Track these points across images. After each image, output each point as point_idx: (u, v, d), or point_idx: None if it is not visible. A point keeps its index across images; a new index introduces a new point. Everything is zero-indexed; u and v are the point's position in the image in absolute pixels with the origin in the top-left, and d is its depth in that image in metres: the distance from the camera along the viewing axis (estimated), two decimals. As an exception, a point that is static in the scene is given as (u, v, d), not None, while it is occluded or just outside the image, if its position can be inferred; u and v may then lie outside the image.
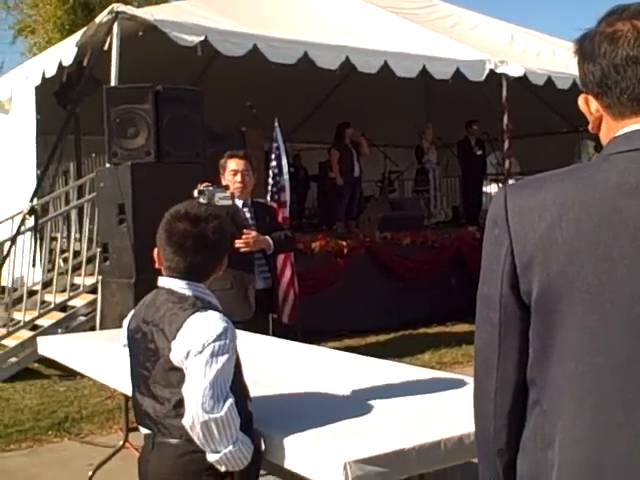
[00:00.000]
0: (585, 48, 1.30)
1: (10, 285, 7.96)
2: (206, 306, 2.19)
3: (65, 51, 8.44)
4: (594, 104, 1.32)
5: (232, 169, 4.74)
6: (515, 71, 9.69)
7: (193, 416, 2.05)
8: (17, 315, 7.79)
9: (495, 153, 11.74)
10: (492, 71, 9.63)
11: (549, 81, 9.84)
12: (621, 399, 1.19)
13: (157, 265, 2.31)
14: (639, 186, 1.21)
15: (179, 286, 2.23)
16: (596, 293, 1.21)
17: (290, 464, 2.11)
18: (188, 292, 2.22)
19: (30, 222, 6.90)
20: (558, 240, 1.23)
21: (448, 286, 9.37)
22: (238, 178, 4.73)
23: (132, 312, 2.42)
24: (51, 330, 7.35)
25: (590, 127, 1.35)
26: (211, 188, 4.48)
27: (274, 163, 7.48)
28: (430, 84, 10.98)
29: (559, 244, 1.23)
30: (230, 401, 2.06)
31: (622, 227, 1.20)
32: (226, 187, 4.67)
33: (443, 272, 9.58)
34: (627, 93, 1.26)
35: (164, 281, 2.28)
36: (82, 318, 7.73)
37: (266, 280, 4.77)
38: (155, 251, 2.29)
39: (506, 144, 9.99)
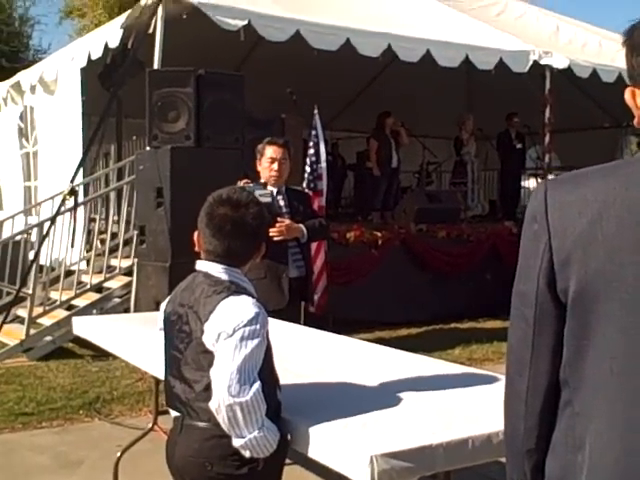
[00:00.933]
0: (634, 40, 1.26)
1: (48, 264, 8.08)
2: (240, 291, 2.20)
3: (110, 33, 8.50)
4: None
5: (270, 157, 4.73)
6: (559, 63, 9.53)
7: (219, 399, 2.06)
8: (54, 295, 7.90)
9: (535, 147, 11.57)
10: (536, 62, 9.47)
11: (594, 74, 9.65)
12: None
13: (196, 248, 2.33)
14: None
15: (216, 270, 2.25)
16: (635, 294, 1.17)
17: (315, 454, 2.10)
18: (224, 276, 2.24)
19: (70, 203, 6.97)
20: (598, 238, 1.20)
21: (482, 281, 9.28)
22: (275, 166, 4.71)
23: (169, 296, 2.44)
24: (86, 310, 7.45)
25: (636, 122, 1.31)
26: (251, 185, 4.48)
27: (312, 151, 7.46)
28: (472, 74, 10.85)
29: (599, 242, 1.20)
30: (257, 386, 2.06)
31: None
32: (264, 185, 4.67)
33: (478, 267, 9.49)
34: None
35: (202, 265, 2.30)
36: (117, 300, 7.83)
37: (299, 269, 4.76)
38: (195, 234, 2.31)
39: (547, 138, 9.83)
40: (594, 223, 1.21)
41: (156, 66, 7.29)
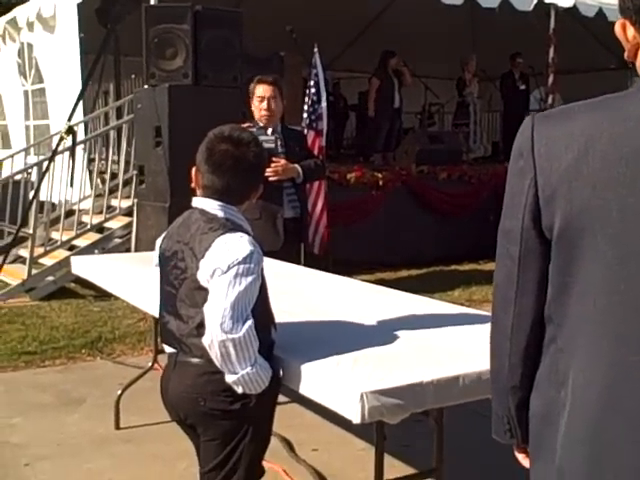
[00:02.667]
0: None
1: (49, 205, 8.06)
2: (236, 228, 2.20)
3: (106, -32, 8.30)
4: (631, 31, 1.25)
5: (259, 95, 4.66)
6: (565, 1, 9.34)
7: (212, 335, 2.07)
8: (55, 235, 7.91)
9: (539, 88, 11.41)
10: (540, 1, 9.28)
11: (600, 13, 9.46)
12: (638, 339, 1.16)
13: (193, 184, 2.32)
14: None
15: (212, 207, 2.24)
16: (619, 228, 1.16)
17: (306, 391, 2.12)
18: (220, 213, 2.23)
19: (68, 142, 6.92)
20: (584, 173, 1.18)
21: (484, 223, 9.24)
22: (264, 105, 4.65)
23: (165, 232, 2.44)
24: (87, 250, 7.47)
25: (626, 55, 1.28)
26: (254, 129, 4.44)
27: (312, 90, 7.36)
28: (476, 13, 10.65)
29: (584, 177, 1.18)
30: (249, 323, 2.07)
31: None
32: (265, 129, 4.63)
33: (479, 208, 9.46)
34: None
35: (198, 201, 2.29)
36: (118, 240, 7.84)
37: (295, 209, 4.74)
38: (193, 170, 2.30)
39: (551, 78, 9.70)
40: (580, 158, 1.19)
41: (152, 2, 7.16)
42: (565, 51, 9.69)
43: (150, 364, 4.28)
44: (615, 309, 1.18)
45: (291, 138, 4.82)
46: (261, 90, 4.66)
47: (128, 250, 7.30)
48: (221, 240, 2.14)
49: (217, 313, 2.06)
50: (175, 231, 2.33)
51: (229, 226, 2.20)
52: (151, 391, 4.16)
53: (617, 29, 1.27)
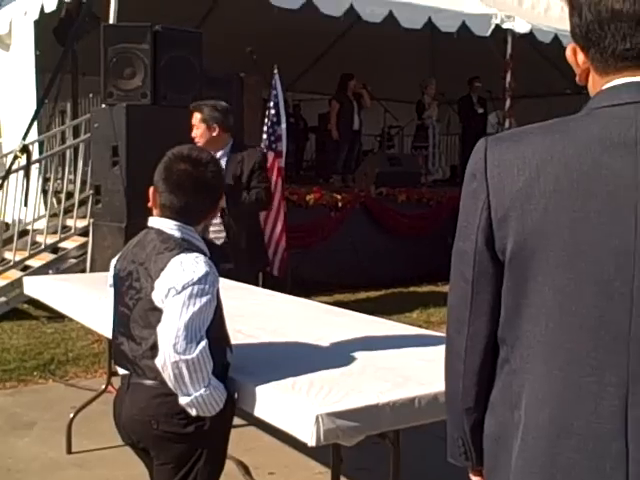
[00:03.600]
0: None
1: (2, 222, 7.92)
2: (193, 248, 2.19)
3: (65, -15, 8.26)
4: (581, 56, 1.27)
5: (192, 123, 4.72)
6: (521, 27, 9.55)
7: (165, 356, 2.05)
8: (8, 255, 7.76)
9: (496, 112, 11.60)
10: (498, 26, 9.48)
11: (556, 39, 9.69)
12: (590, 360, 1.16)
13: (150, 204, 2.30)
14: (620, 142, 1.16)
15: (169, 227, 2.22)
16: (571, 251, 1.17)
17: (261, 413, 2.10)
18: (177, 234, 2.21)
19: (22, 161, 6.81)
20: (535, 195, 1.19)
21: (442, 245, 9.30)
22: (193, 132, 4.70)
23: (120, 252, 2.41)
24: (41, 271, 7.33)
25: (577, 79, 1.30)
26: None
27: (272, 111, 7.37)
28: (435, 38, 10.81)
29: (536, 199, 1.19)
30: (203, 344, 2.05)
31: (601, 184, 1.16)
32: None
33: (438, 231, 9.52)
34: (610, 50, 1.20)
35: (154, 221, 2.27)
36: (73, 260, 7.72)
37: (219, 239, 4.72)
38: (151, 189, 2.28)
39: (507, 103, 9.88)
40: (532, 180, 1.20)
41: (112, 21, 7.12)
42: (522, 76, 9.88)
43: (104, 387, 4.21)
44: (567, 330, 1.18)
45: (234, 162, 4.77)
46: (192, 117, 4.70)
47: (83, 271, 7.19)
48: (177, 260, 2.12)
49: (170, 333, 2.04)
50: (130, 251, 2.31)
51: (185, 246, 2.18)
52: (104, 414, 4.08)
53: (568, 53, 1.29)
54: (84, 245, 7.52)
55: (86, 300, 3.67)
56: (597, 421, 1.15)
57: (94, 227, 6.63)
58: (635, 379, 1.13)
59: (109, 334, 3.23)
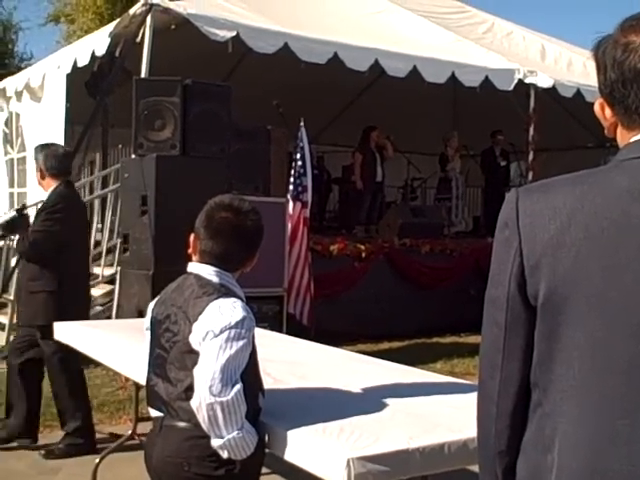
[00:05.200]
0: (599, 56, 1.30)
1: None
2: (230, 294, 2.24)
3: (98, 41, 8.52)
4: (608, 111, 1.33)
5: None
6: (544, 82, 9.65)
7: (200, 397, 2.08)
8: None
9: (518, 163, 11.68)
10: (521, 81, 9.59)
11: (578, 93, 9.79)
12: (623, 403, 1.19)
13: (190, 250, 2.36)
14: None
15: (207, 272, 2.29)
16: (601, 297, 1.21)
17: (292, 457, 2.12)
18: (215, 279, 2.27)
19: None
20: (567, 243, 1.24)
21: (465, 296, 9.31)
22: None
23: (158, 296, 2.47)
24: (68, 317, 7.39)
25: (606, 132, 1.35)
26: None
27: (299, 163, 7.50)
28: (458, 92, 10.95)
29: (567, 247, 1.24)
30: (238, 387, 2.09)
31: (630, 232, 1.20)
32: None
33: (461, 282, 9.52)
34: (634, 107, 1.26)
35: (194, 267, 2.34)
36: (99, 308, 7.79)
37: None
38: (191, 236, 2.35)
39: (531, 156, 9.94)
40: (563, 229, 1.24)
41: (143, 75, 7.32)
42: (545, 129, 9.96)
43: (129, 433, 4.22)
44: (599, 374, 1.21)
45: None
46: None
47: (109, 318, 7.26)
48: (215, 304, 2.18)
49: (207, 376, 2.08)
50: (168, 295, 2.37)
51: (223, 291, 2.23)
52: (130, 460, 4.13)
53: (596, 108, 1.35)
54: (110, 293, 7.60)
55: (114, 345, 3.72)
56: (631, 464, 1.17)
57: (121, 274, 6.72)
58: None
59: (135, 377, 3.30)
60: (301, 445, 2.10)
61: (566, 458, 1.24)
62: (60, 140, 8.96)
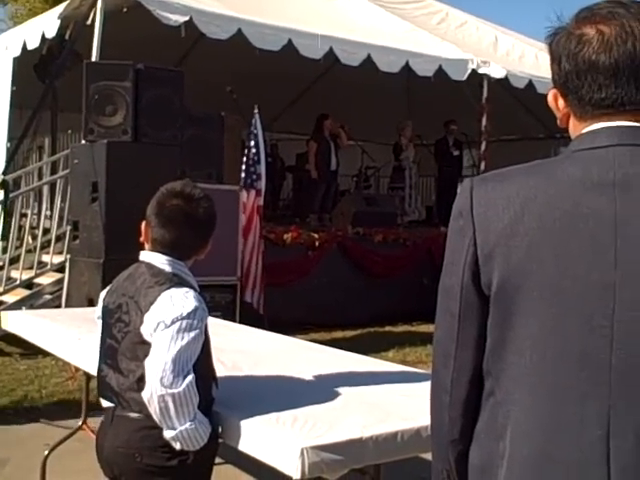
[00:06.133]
0: (553, 47, 1.32)
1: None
2: (183, 283, 2.21)
3: (48, 23, 8.33)
4: (561, 101, 1.34)
5: None
6: (497, 73, 9.75)
7: (152, 389, 2.06)
8: (-19, 290, 7.68)
9: (471, 153, 11.81)
10: (474, 71, 9.68)
11: (530, 85, 9.91)
12: (573, 391, 1.20)
13: (142, 238, 2.32)
14: (600, 183, 1.22)
15: (160, 261, 2.25)
16: (554, 286, 1.22)
17: (246, 447, 2.10)
18: (168, 268, 2.24)
19: (0, 195, 6.80)
20: (520, 232, 1.25)
21: (417, 285, 9.39)
22: None
23: (110, 285, 2.42)
24: (15, 307, 7.23)
25: (559, 122, 1.37)
26: None
27: (253, 150, 7.45)
28: (412, 81, 11.00)
29: (521, 236, 1.25)
30: (190, 378, 2.06)
31: (582, 222, 1.22)
32: None
33: (413, 271, 9.60)
34: (587, 98, 1.28)
35: (146, 255, 2.30)
36: (48, 296, 7.65)
37: None
38: (143, 224, 2.31)
39: (483, 146, 10.05)
40: (516, 219, 1.25)
41: (94, 59, 7.18)
42: (497, 120, 10.06)
43: (79, 424, 4.16)
44: (550, 363, 1.22)
45: None
46: None
47: (58, 307, 7.12)
48: (167, 294, 2.14)
49: (158, 367, 2.05)
50: (120, 284, 2.32)
51: (176, 281, 2.20)
52: (79, 452, 4.06)
53: (550, 98, 1.36)
54: (60, 281, 7.46)
55: (65, 335, 3.65)
56: (580, 450, 1.19)
57: (71, 263, 6.60)
58: (616, 409, 1.18)
59: (86, 367, 3.24)
60: (255, 435, 2.08)
61: (517, 445, 1.25)
62: (4, 124, 8.77)
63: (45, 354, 4.39)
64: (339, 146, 10.82)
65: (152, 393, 2.05)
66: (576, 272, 1.20)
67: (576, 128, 1.32)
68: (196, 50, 10.64)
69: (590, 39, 1.25)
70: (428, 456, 1.78)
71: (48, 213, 8.46)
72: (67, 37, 7.85)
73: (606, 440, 1.18)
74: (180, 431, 2.08)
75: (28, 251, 7.99)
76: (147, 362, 2.10)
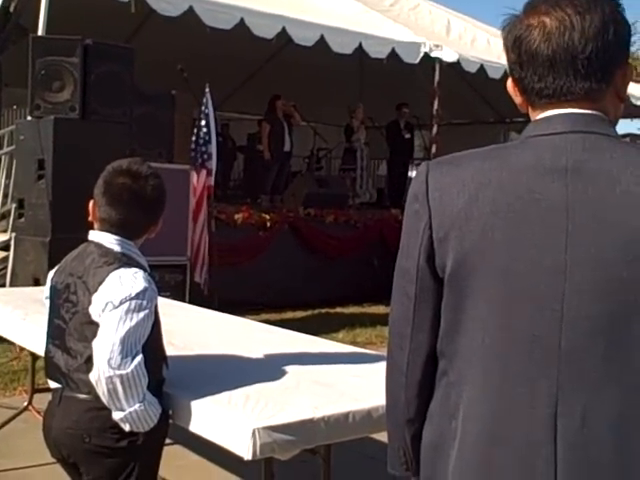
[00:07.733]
0: (504, 36, 1.34)
1: None
2: (132, 263, 2.18)
3: (-10, -4, 8.07)
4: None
5: None
6: (449, 56, 9.80)
7: (99, 371, 2.03)
8: None
9: (423, 136, 11.89)
10: (427, 55, 9.71)
11: (481, 69, 9.99)
12: (523, 372, 1.23)
13: (90, 218, 2.28)
14: (552, 169, 1.24)
15: (108, 241, 2.21)
16: (506, 270, 1.24)
17: (197, 428, 2.09)
18: (117, 248, 2.20)
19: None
20: (474, 216, 1.26)
21: (368, 267, 9.46)
22: None
23: (58, 265, 2.38)
24: (-42, 285, 7.09)
25: (519, 107, 1.38)
26: None
27: (204, 130, 7.37)
28: (365, 63, 10.99)
29: (475, 220, 1.26)
30: (138, 359, 2.04)
31: (534, 207, 1.23)
32: None
33: (364, 252, 9.65)
34: (529, 88, 1.30)
35: (94, 235, 2.26)
36: (-8, 275, 7.48)
37: None
38: (90, 203, 2.26)
39: (434, 129, 10.11)
40: (471, 203, 1.27)
41: (40, 33, 7.00)
42: (448, 103, 10.13)
43: (25, 404, 4.09)
44: (502, 345, 1.25)
45: None
46: None
47: (3, 286, 6.97)
48: (115, 274, 2.11)
49: (106, 348, 2.02)
50: (68, 264, 2.28)
51: (124, 260, 2.17)
52: (25, 433, 4.00)
53: (509, 84, 1.37)
54: (4, 259, 7.30)
55: (10, 315, 3.57)
56: (529, 429, 1.21)
57: (16, 241, 6.47)
58: (564, 390, 1.20)
59: (32, 348, 3.18)
60: (206, 416, 2.07)
61: (469, 425, 1.27)
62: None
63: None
64: (293, 125, 10.78)
65: (100, 375, 2.02)
66: (528, 256, 1.22)
67: (531, 114, 1.34)
68: (147, 27, 10.44)
69: (533, 30, 1.27)
70: (379, 436, 1.80)
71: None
72: (12, 10, 7.61)
73: (553, 419, 1.20)
74: (129, 412, 2.06)
75: (-29, 229, 7.81)
76: (95, 343, 2.07)
